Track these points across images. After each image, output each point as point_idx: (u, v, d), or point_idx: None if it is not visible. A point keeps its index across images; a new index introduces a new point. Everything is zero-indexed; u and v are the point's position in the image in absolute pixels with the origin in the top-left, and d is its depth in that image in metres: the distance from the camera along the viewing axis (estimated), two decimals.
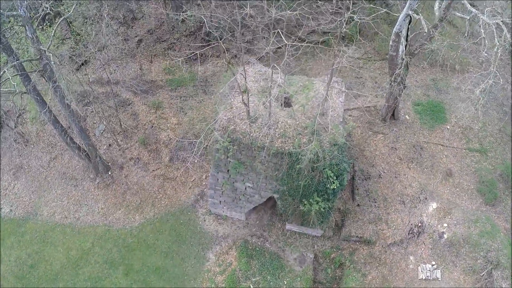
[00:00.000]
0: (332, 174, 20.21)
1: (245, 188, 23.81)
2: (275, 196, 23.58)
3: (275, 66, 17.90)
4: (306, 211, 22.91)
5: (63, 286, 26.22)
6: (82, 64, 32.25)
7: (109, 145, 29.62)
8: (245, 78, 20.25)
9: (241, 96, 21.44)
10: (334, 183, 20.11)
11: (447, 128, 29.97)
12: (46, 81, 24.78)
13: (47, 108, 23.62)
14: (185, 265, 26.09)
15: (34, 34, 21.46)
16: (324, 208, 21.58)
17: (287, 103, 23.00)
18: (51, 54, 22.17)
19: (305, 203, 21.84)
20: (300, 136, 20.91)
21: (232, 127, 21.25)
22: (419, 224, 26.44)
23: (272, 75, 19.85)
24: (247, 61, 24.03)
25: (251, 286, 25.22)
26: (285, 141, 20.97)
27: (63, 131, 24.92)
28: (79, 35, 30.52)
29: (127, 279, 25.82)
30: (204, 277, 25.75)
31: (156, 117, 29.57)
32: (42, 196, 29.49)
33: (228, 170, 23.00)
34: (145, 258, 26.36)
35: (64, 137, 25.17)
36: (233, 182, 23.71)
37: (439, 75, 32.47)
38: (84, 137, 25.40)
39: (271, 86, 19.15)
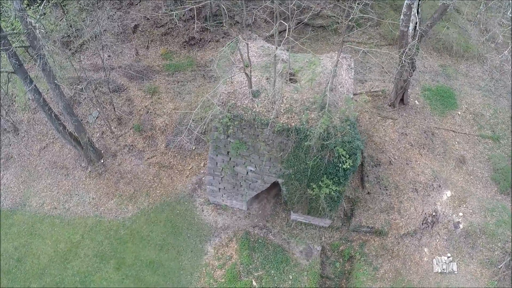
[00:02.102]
0: (344, 153, 16.89)
1: (247, 173, 20.44)
2: (280, 181, 20.21)
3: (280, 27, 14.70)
4: (314, 197, 19.55)
5: (50, 281, 22.74)
6: (76, 51, 29.09)
7: (102, 132, 26.29)
8: (248, 48, 17.06)
9: (242, 71, 18.34)
10: (346, 162, 16.78)
11: (458, 114, 26.80)
12: (32, 57, 21.70)
13: (33, 85, 20.45)
14: (181, 259, 22.60)
15: (21, 6, 18.48)
16: (335, 192, 18.20)
17: (292, 80, 19.82)
18: (37, 25, 19.14)
19: (314, 187, 18.48)
20: (308, 111, 17.65)
21: (233, 101, 17.98)
22: (433, 213, 23.10)
23: (276, 42, 16.68)
24: (249, 36, 20.85)
25: (253, 282, 21.74)
26: (291, 117, 17.69)
27: (50, 112, 21.61)
28: (73, 20, 27.53)
29: (118, 274, 22.31)
30: (202, 272, 22.27)
31: (152, 102, 26.27)
32: (31, 186, 26.08)
33: (228, 152, 19.66)
34: (138, 251, 22.86)
35: (52, 119, 21.85)
36: (234, 166, 20.35)
37: (448, 61, 29.39)
38: (72, 114, 22.02)
39: (276, 48, 15.92)
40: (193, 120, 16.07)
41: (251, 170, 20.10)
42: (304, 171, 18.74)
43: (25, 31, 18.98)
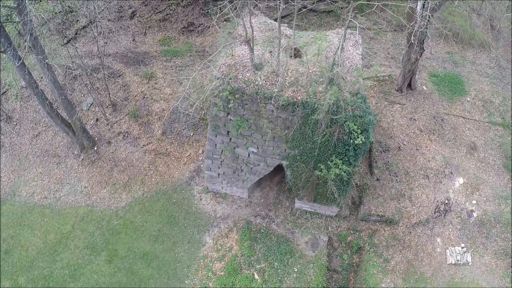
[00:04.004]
0: (355, 128, 14.63)
1: (248, 155, 18.09)
2: (284, 163, 17.86)
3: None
4: (321, 181, 17.23)
5: (38, 274, 20.28)
6: (71, 39, 26.90)
7: (97, 119, 24.00)
8: (250, 14, 14.91)
9: (243, 45, 16.18)
10: (358, 137, 14.49)
11: (467, 100, 24.63)
12: (23, 36, 19.55)
13: (21, 62, 18.18)
14: (177, 251, 20.18)
15: None
16: (345, 172, 15.86)
17: (297, 55, 17.63)
18: None
19: (322, 167, 16.15)
20: (315, 84, 15.41)
21: (233, 74, 15.74)
22: (446, 201, 20.78)
23: (280, 22, 14.51)
24: (251, 12, 18.68)
25: (255, 275, 19.30)
26: (297, 90, 15.45)
27: (36, 85, 19.25)
28: (68, 6, 25.45)
29: (110, 266, 19.86)
30: (200, 264, 19.85)
31: (148, 87, 24.00)
32: (21, 175, 23.69)
33: (228, 132, 17.34)
34: (132, 242, 20.44)
35: (38, 95, 19.47)
36: (234, 148, 18.02)
37: (454, 49, 27.30)
38: (59, 88, 19.61)
39: (279, 9, 13.71)
40: (189, 88, 13.76)
41: (253, 151, 17.77)
42: (311, 151, 16.42)
43: (16, 5, 16.83)
